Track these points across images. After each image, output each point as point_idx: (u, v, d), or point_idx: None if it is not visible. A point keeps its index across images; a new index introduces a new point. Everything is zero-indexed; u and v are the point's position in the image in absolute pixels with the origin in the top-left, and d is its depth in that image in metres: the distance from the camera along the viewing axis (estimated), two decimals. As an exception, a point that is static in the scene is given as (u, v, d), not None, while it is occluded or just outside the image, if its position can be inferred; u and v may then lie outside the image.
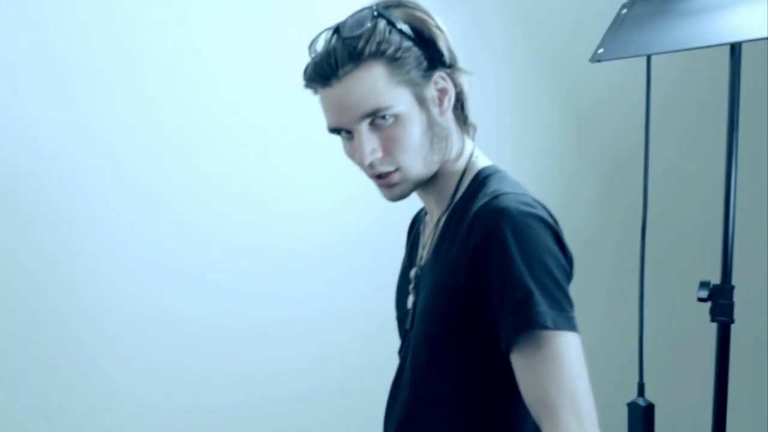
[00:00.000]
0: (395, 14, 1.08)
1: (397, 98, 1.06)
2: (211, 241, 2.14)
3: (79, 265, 2.01)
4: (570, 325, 0.98)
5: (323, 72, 1.06)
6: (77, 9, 1.97)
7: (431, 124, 1.10)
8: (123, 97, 2.04)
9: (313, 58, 1.09)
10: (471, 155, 1.17)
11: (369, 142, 1.07)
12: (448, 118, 1.13)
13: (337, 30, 1.08)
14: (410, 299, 1.19)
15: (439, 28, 1.10)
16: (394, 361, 1.23)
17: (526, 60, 2.44)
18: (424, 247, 1.20)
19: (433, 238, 1.16)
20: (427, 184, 1.15)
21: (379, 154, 1.08)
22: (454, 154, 1.15)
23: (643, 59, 1.62)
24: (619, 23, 1.64)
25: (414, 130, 1.08)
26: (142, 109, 2.06)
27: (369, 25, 1.05)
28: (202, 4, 2.11)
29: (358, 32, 1.05)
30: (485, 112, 2.38)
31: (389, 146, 1.08)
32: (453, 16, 2.36)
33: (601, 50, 1.62)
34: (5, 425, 1.94)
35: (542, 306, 0.96)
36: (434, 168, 1.12)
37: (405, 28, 1.07)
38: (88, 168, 2.02)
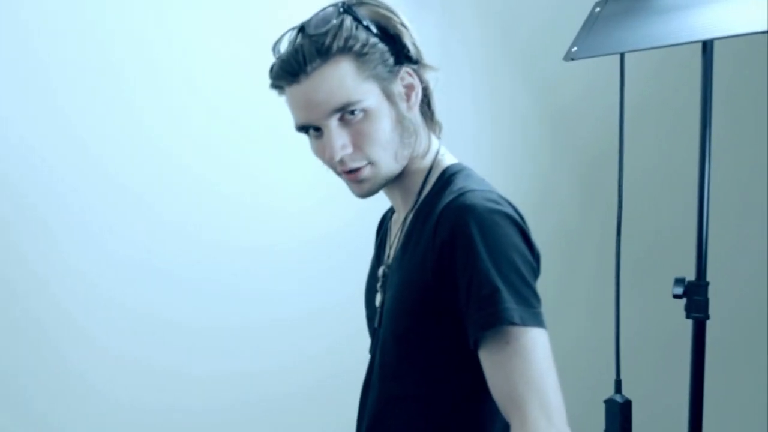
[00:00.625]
0: (360, 11, 1.08)
1: (366, 93, 1.06)
2: (190, 240, 2.13)
3: (58, 267, 1.99)
4: (537, 321, 0.98)
5: (291, 69, 1.06)
6: (56, 10, 1.94)
7: (400, 119, 1.10)
8: (102, 96, 2.02)
9: (279, 57, 1.09)
10: (437, 153, 1.17)
11: (339, 137, 1.07)
12: (416, 114, 1.14)
13: (302, 29, 1.08)
14: (378, 297, 1.19)
15: (403, 24, 1.11)
16: (373, 360, 1.22)
17: (502, 59, 2.45)
18: (391, 246, 1.21)
19: (399, 236, 1.16)
20: (393, 182, 1.15)
21: (349, 150, 1.08)
22: (421, 150, 1.15)
23: (618, 57, 1.63)
24: (592, 21, 1.65)
25: (383, 124, 1.08)
26: (123, 108, 2.04)
27: (335, 21, 1.05)
28: (182, 3, 2.09)
29: (324, 29, 1.05)
30: (462, 112, 2.40)
31: (359, 141, 1.08)
32: (428, 15, 2.38)
33: (574, 48, 1.62)
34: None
35: (509, 302, 0.96)
36: (404, 163, 1.13)
37: (370, 24, 1.08)
38: (67, 169, 1.99)
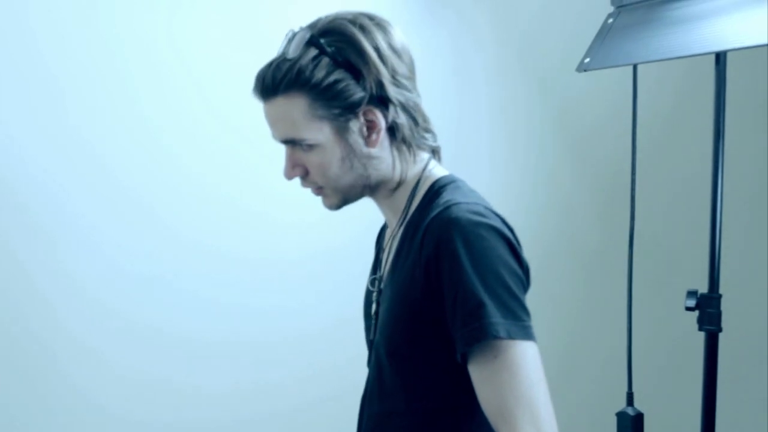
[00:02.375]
0: (333, 43, 1.06)
1: (314, 131, 1.08)
2: (201, 252, 2.12)
3: (58, 277, 1.97)
4: (525, 334, 0.98)
5: (257, 89, 1.11)
6: (62, 11, 1.95)
7: (351, 156, 1.10)
8: (110, 106, 2.01)
9: (260, 68, 1.11)
10: (425, 168, 1.16)
11: (289, 162, 1.12)
12: (384, 147, 1.12)
13: (291, 39, 1.08)
14: (373, 308, 1.20)
15: (382, 59, 1.07)
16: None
17: (516, 70, 2.45)
18: (385, 259, 1.21)
19: (391, 250, 1.16)
20: (380, 197, 1.16)
21: (300, 173, 1.13)
22: (397, 176, 1.14)
23: (631, 68, 1.63)
24: (605, 32, 1.65)
25: (330, 159, 1.10)
26: (131, 118, 2.01)
27: (297, 54, 1.06)
28: (191, 10, 2.09)
29: (290, 57, 1.06)
30: (477, 120, 2.40)
31: (310, 168, 1.12)
32: (443, 28, 2.38)
33: (587, 60, 1.62)
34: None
35: (495, 317, 0.96)
36: (360, 187, 1.14)
37: (340, 58, 1.06)
38: (74, 181, 1.97)
